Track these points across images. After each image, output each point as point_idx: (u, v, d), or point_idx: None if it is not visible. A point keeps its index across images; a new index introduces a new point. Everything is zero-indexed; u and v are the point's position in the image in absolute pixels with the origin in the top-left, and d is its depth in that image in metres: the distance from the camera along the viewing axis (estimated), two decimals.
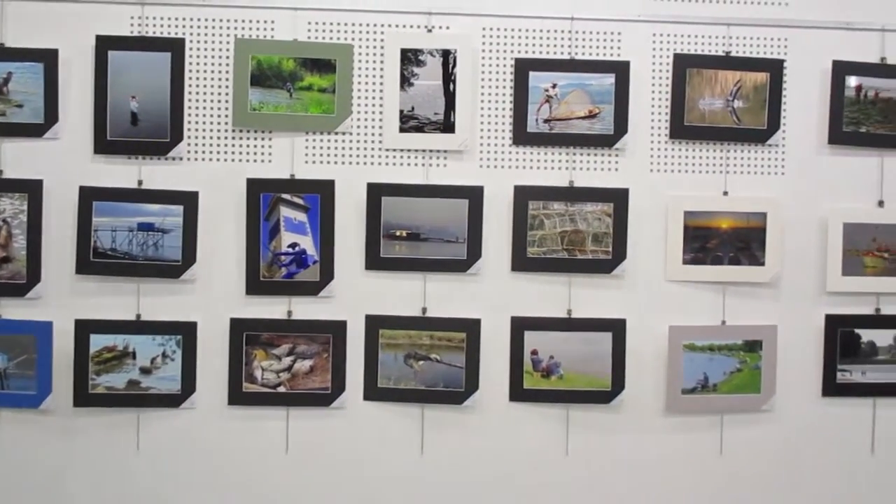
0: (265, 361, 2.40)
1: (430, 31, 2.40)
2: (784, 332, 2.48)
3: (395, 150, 2.42)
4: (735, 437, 2.51)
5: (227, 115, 2.38)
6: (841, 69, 2.46)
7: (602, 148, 2.44)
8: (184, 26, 2.37)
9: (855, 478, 2.54)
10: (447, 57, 2.39)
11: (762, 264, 2.46)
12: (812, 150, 2.49)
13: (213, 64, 2.38)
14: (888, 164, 2.51)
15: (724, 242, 2.45)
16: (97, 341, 2.35)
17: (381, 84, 2.40)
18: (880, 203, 2.51)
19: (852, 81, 2.47)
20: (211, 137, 2.39)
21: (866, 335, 2.50)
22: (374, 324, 2.42)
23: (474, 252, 2.41)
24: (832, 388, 2.51)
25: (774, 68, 2.45)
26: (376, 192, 2.39)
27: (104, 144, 2.36)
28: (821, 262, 2.50)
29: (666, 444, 2.50)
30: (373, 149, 2.41)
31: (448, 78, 2.40)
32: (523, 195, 2.41)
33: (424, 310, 2.42)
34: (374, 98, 2.41)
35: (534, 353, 2.44)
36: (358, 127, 2.41)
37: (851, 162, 2.50)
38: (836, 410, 2.53)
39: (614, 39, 2.43)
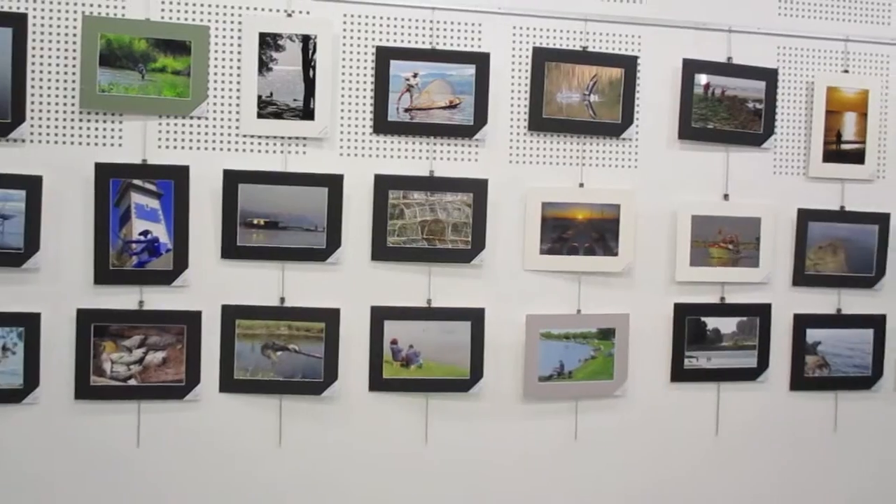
0: (115, 353, 2.56)
1: (289, 15, 2.61)
2: (636, 320, 2.85)
3: (252, 136, 2.61)
4: (589, 421, 2.87)
5: (73, 96, 2.51)
6: (690, 67, 2.85)
7: (462, 138, 2.72)
8: (26, 0, 2.48)
9: (700, 458, 2.96)
10: (307, 42, 2.61)
11: (616, 255, 2.82)
12: (663, 145, 2.87)
13: (58, 42, 2.51)
14: (733, 159, 2.92)
15: (580, 233, 2.79)
16: None
17: (239, 68, 2.59)
18: (725, 196, 2.91)
19: (701, 79, 2.86)
20: (56, 119, 2.51)
21: (712, 323, 2.91)
22: (231, 314, 2.62)
23: (334, 241, 2.64)
24: (680, 373, 2.91)
25: (629, 64, 2.81)
26: (233, 179, 2.58)
27: None
28: (670, 253, 2.88)
29: (523, 431, 2.82)
30: (229, 134, 2.60)
31: (308, 64, 2.61)
32: (384, 184, 2.66)
33: (283, 299, 2.64)
34: (231, 82, 2.59)
35: (393, 342, 2.70)
36: (214, 112, 2.59)
37: (700, 156, 2.90)
38: (683, 395, 2.93)
39: (475, 31, 2.73)
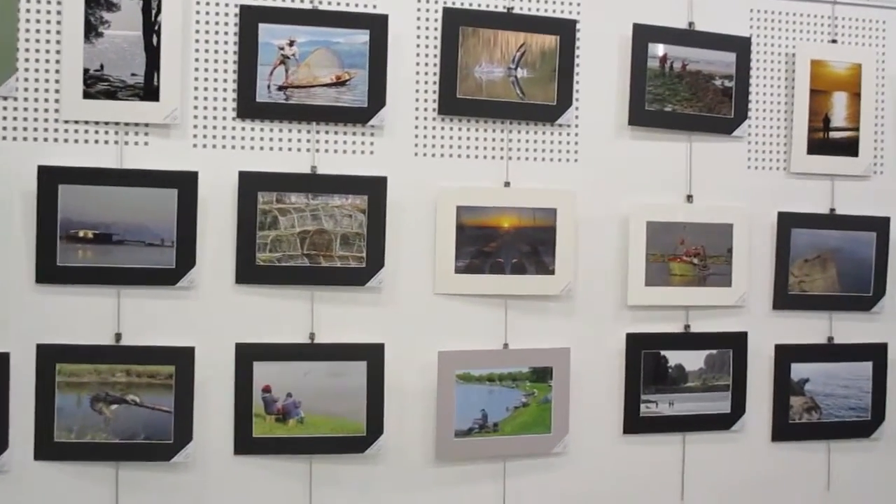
0: None
1: None
2: (578, 356, 2.83)
3: (77, 121, 2.53)
4: (522, 487, 2.84)
5: None
6: (643, 35, 2.85)
7: (353, 124, 2.68)
8: None
9: None
10: (149, 0, 2.54)
11: (552, 273, 2.80)
12: (610, 133, 2.87)
13: None
14: (697, 151, 2.94)
15: (506, 246, 2.76)
16: None
17: (59, 33, 2.51)
18: (689, 198, 2.93)
19: (657, 50, 2.86)
20: None
21: (674, 357, 2.92)
22: (49, 356, 2.52)
23: (186, 259, 2.57)
24: (635, 423, 2.90)
25: (566, 31, 2.80)
26: (51, 179, 2.49)
27: None
28: (621, 270, 2.88)
29: (437, 501, 2.78)
30: (46, 120, 2.52)
31: (151, 28, 2.55)
32: (251, 184, 2.60)
33: (118, 336, 2.56)
34: (47, 52, 2.51)
35: (266, 390, 2.63)
36: (26, 90, 2.51)
37: (656, 147, 2.91)
38: (640, 450, 2.93)
39: None
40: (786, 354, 3.02)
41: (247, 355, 2.63)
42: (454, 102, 2.75)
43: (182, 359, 2.59)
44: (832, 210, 3.05)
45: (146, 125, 2.57)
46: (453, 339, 2.76)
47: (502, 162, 2.80)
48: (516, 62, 2.77)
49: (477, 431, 2.78)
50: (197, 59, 2.61)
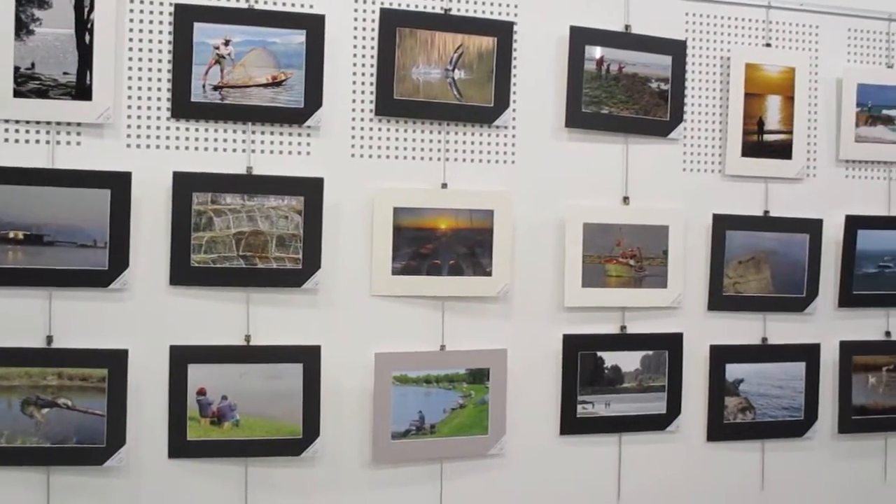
0: None
1: None
2: (515, 357, 2.87)
3: (7, 120, 2.51)
4: (459, 488, 2.87)
5: None
6: (580, 37, 2.89)
7: (290, 125, 2.69)
8: None
9: None
10: None
11: (489, 274, 2.83)
12: (547, 135, 2.91)
13: None
14: (634, 153, 2.99)
15: (444, 247, 2.79)
16: None
17: None
18: (625, 199, 2.97)
19: (594, 52, 2.91)
20: None
21: (610, 358, 2.96)
22: None
23: (119, 261, 2.56)
24: (572, 424, 2.94)
25: (503, 32, 2.83)
26: None
27: None
28: (558, 272, 2.92)
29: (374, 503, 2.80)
30: None
31: (83, 26, 2.53)
32: (185, 185, 2.60)
33: (50, 339, 2.55)
34: None
35: (201, 392, 2.63)
36: None
37: (592, 149, 2.95)
38: (577, 451, 2.97)
39: None
40: (720, 355, 3.08)
41: (181, 357, 2.63)
42: (391, 103, 2.76)
43: (115, 361, 2.58)
44: (766, 212, 3.11)
45: (78, 125, 2.56)
46: (390, 340, 2.78)
47: (439, 163, 2.83)
48: (454, 63, 2.80)
49: (414, 433, 2.80)
50: (130, 58, 2.60)
